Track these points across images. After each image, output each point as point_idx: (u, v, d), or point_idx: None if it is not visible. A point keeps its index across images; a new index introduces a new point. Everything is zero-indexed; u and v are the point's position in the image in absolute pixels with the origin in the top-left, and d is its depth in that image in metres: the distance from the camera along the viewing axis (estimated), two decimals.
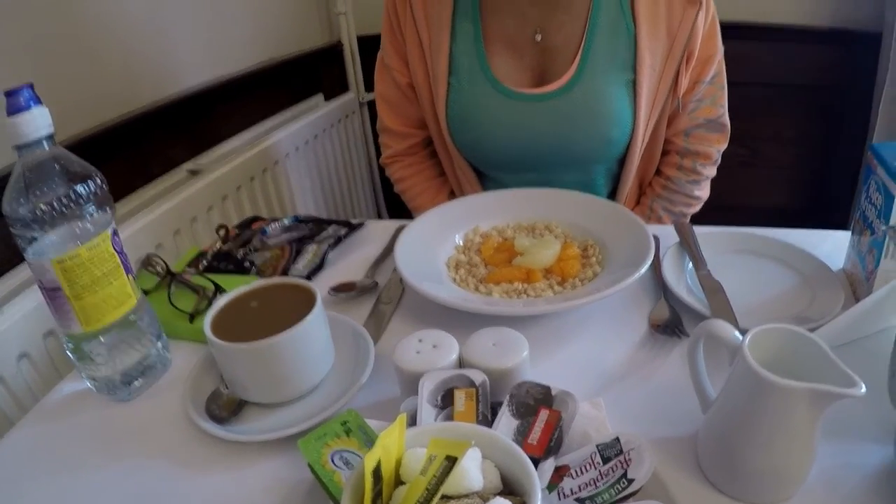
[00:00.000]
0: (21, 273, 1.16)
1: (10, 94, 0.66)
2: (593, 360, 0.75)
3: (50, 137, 0.69)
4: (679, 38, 1.10)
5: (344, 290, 0.92)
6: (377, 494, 0.43)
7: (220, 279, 0.94)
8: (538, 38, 1.14)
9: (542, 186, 1.08)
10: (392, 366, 0.66)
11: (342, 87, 2.34)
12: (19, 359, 1.08)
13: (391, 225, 1.10)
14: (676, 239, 0.93)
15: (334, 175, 2.15)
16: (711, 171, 1.24)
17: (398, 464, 0.45)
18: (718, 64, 1.17)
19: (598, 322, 0.82)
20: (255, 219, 1.19)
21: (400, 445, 0.45)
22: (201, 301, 0.91)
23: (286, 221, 1.14)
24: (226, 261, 1.03)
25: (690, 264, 0.87)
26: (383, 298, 0.91)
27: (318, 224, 1.13)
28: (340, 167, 2.19)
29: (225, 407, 0.71)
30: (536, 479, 0.42)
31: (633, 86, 1.11)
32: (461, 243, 0.99)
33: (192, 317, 0.88)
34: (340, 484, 0.50)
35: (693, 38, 1.09)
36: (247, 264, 1.01)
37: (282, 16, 2.04)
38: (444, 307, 0.80)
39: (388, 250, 1.03)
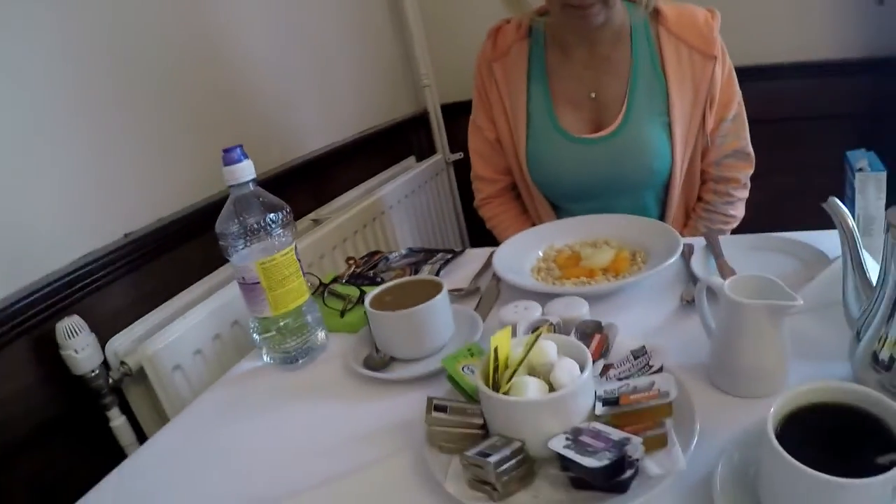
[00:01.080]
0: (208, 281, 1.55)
1: (227, 151, 1.00)
2: (639, 323, 1.01)
3: (253, 180, 1.03)
4: (701, 87, 1.40)
5: (455, 292, 1.23)
6: (495, 368, 0.72)
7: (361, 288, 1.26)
8: (593, 95, 1.46)
9: (603, 212, 1.37)
10: (496, 330, 0.95)
11: (430, 150, 2.69)
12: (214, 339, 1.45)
13: (485, 252, 1.40)
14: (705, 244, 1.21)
15: (429, 223, 2.49)
16: (742, 194, 1.52)
17: (507, 357, 0.74)
18: (738, 105, 1.46)
19: (644, 300, 1.10)
20: (376, 252, 1.52)
21: (507, 343, 0.74)
22: (347, 304, 1.23)
23: (403, 251, 1.47)
24: (360, 279, 1.35)
25: (713, 261, 1.15)
26: (484, 299, 1.20)
27: (428, 252, 1.44)
28: (434, 216, 2.53)
29: (378, 363, 1.02)
30: (588, 353, 0.71)
31: (669, 126, 1.42)
32: (542, 255, 1.29)
33: (343, 313, 1.21)
34: (470, 383, 0.80)
35: (713, 86, 1.40)
36: (378, 280, 1.33)
37: (376, 91, 2.43)
38: (530, 295, 1.10)
39: (485, 267, 1.32)
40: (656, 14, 1.43)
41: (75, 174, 1.33)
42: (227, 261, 1.05)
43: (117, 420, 1.34)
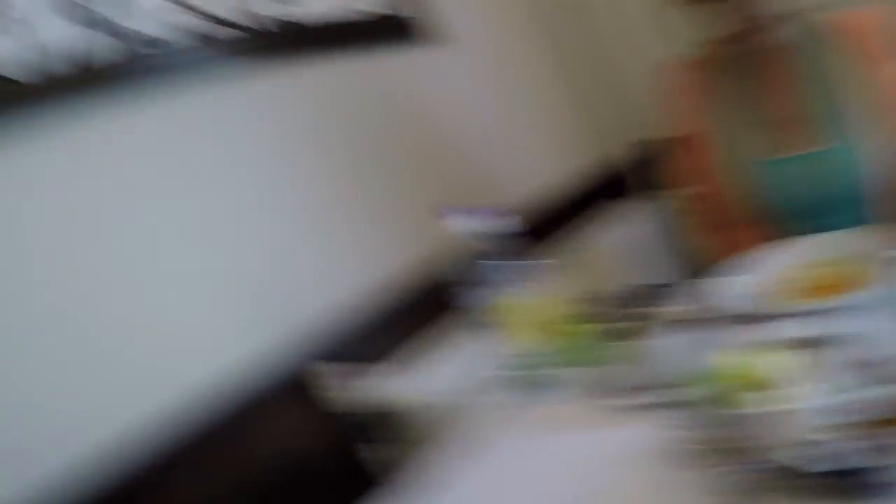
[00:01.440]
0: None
1: (465, 208, 1.20)
2: (870, 336, 0.96)
3: (493, 234, 1.20)
4: (879, 91, 1.41)
5: (686, 322, 1.30)
6: (735, 387, 0.81)
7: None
8: (775, 117, 1.51)
9: (818, 231, 1.38)
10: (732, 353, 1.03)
11: (638, 188, 2.75)
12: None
13: (708, 280, 1.41)
14: None
15: (648, 258, 2.53)
16: None
17: (746, 375, 0.83)
18: None
19: (874, 313, 1.08)
20: (604, 291, 1.62)
21: (745, 362, 0.83)
22: (587, 339, 1.33)
23: (631, 288, 1.59)
24: (596, 316, 1.43)
25: None
26: (715, 324, 1.23)
27: (653, 287, 1.54)
28: (651, 251, 2.56)
29: (620, 392, 1.14)
30: (824, 367, 0.78)
31: (856, 137, 1.43)
32: (769, 277, 1.30)
33: (581, 349, 1.31)
34: (714, 401, 0.89)
35: (891, 88, 1.41)
36: (613, 317, 1.42)
37: (575, 138, 2.59)
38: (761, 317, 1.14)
39: (712, 295, 1.35)
40: (820, 26, 1.46)
41: (335, 226, 1.61)
42: (468, 303, 1.22)
43: (369, 456, 1.44)
